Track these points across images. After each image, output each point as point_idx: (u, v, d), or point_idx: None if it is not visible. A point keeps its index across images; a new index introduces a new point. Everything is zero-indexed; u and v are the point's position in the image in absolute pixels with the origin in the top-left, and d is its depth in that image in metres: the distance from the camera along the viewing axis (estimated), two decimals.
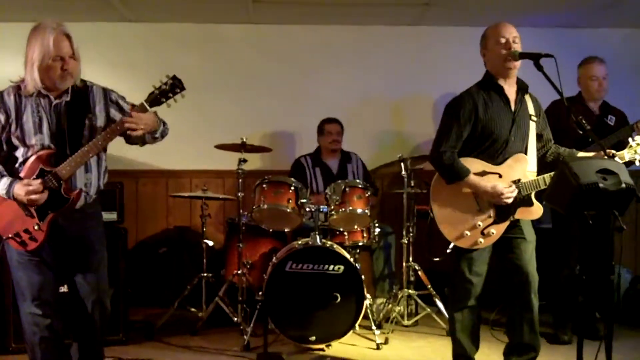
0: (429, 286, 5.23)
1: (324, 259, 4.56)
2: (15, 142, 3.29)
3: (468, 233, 3.59)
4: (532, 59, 3.46)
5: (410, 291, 5.20)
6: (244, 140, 5.04)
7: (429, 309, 5.14)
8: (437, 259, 4.45)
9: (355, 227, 4.99)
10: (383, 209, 6.23)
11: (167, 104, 3.34)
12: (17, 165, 3.32)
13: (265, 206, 4.79)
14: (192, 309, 5.25)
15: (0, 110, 3.28)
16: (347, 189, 4.82)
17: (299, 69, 6.39)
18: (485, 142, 3.61)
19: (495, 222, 3.60)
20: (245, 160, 5.04)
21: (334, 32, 6.41)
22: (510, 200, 3.55)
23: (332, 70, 6.41)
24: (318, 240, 4.68)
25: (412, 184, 5.26)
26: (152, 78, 3.36)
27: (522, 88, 3.71)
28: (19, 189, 3.21)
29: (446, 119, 3.67)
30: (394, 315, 5.12)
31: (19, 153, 3.32)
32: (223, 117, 6.28)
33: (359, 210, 4.79)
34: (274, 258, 4.77)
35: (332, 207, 4.80)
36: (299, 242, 4.76)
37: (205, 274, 5.19)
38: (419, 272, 5.25)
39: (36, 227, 3.28)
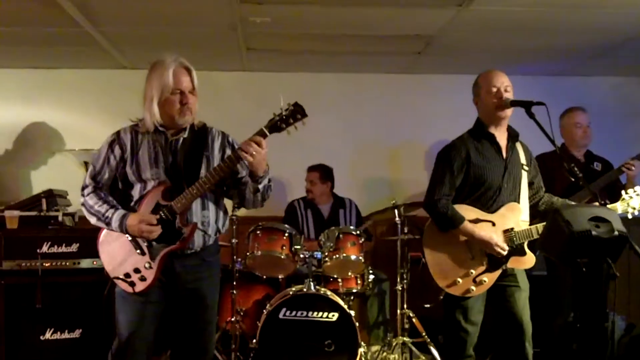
0: (424, 334, 5.18)
1: (318, 306, 4.54)
2: (131, 177, 3.18)
3: (460, 280, 3.58)
4: (523, 107, 3.48)
5: (404, 339, 5.14)
6: None
7: (423, 357, 5.09)
8: (428, 306, 4.43)
9: (350, 273, 4.98)
10: (377, 256, 6.19)
11: (287, 131, 3.20)
12: (132, 204, 3.20)
13: (259, 253, 4.78)
14: None
15: (116, 145, 3.21)
16: (340, 236, 4.83)
17: None
18: (478, 189, 3.62)
19: (487, 271, 3.59)
20: (238, 207, 5.03)
21: (327, 80, 6.47)
22: (504, 252, 3.55)
23: (325, 117, 6.41)
24: (312, 287, 4.67)
25: (406, 231, 5.26)
26: None
27: (512, 136, 3.73)
28: (133, 219, 3.09)
29: (439, 167, 3.69)
30: None
31: (135, 191, 3.20)
32: None
33: (353, 257, 4.78)
34: (268, 305, 4.74)
35: (326, 254, 4.80)
36: (293, 289, 4.74)
37: None
38: (414, 320, 5.20)
39: (147, 266, 3.11)
